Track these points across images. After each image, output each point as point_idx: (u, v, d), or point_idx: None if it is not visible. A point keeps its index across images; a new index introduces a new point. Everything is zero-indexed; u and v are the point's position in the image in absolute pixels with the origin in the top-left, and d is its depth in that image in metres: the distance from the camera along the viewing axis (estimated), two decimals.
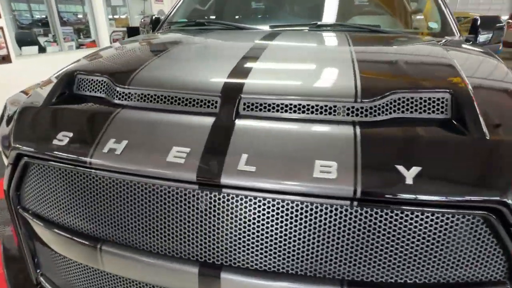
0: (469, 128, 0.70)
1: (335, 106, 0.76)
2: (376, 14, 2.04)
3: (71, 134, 0.82)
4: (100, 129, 0.81)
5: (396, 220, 0.62)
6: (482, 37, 1.98)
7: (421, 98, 0.76)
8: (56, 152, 0.80)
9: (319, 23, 1.63)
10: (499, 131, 0.70)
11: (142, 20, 2.56)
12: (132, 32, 5.94)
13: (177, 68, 1.02)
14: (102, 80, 0.98)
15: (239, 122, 0.76)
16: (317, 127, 0.74)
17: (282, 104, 0.79)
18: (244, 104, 0.80)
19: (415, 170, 0.62)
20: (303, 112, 0.77)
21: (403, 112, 0.76)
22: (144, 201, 0.73)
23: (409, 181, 0.60)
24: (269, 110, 0.79)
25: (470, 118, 0.71)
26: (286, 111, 0.78)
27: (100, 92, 0.98)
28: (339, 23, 1.68)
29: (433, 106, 0.76)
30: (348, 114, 0.76)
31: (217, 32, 1.63)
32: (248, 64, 0.97)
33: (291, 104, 0.78)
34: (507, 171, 0.62)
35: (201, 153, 0.70)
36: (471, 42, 1.73)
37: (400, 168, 0.62)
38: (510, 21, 11.00)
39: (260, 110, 0.79)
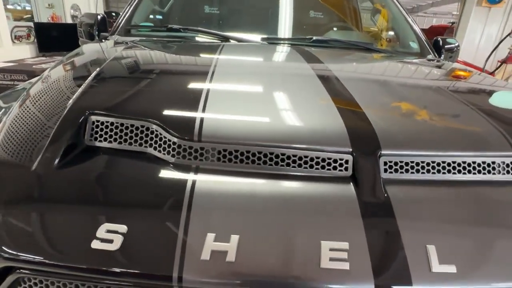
0: None
1: (493, 163, 0.63)
2: (354, 30, 2.04)
3: (124, 228, 0.49)
4: (178, 214, 0.50)
5: None
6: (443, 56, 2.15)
7: None
8: (101, 266, 0.45)
9: (315, 38, 1.51)
10: None
11: (79, 19, 2.07)
12: (42, 29, 5.03)
13: (256, 106, 0.72)
14: (143, 126, 0.64)
15: (393, 194, 0.56)
16: (489, 193, 0.59)
17: (431, 162, 0.61)
18: (386, 163, 0.60)
19: None
20: (460, 171, 0.62)
21: None
22: None
23: None
24: (418, 171, 0.61)
25: None
26: (439, 171, 0.61)
27: (141, 145, 0.63)
28: (335, 39, 1.59)
29: None
30: (508, 172, 0.63)
31: (231, 47, 1.35)
32: (349, 100, 0.74)
33: (444, 162, 0.61)
34: None
35: (367, 250, 0.48)
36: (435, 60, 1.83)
37: None
38: None
39: (407, 171, 0.60)
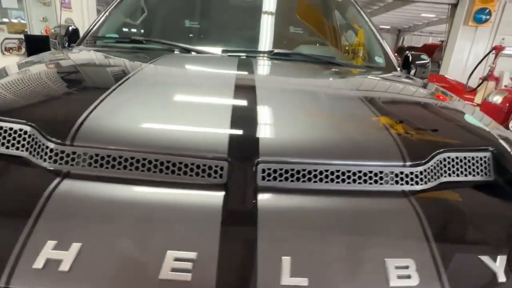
0: None
1: (381, 173, 0.61)
2: (323, 45, 2.06)
3: None
4: (24, 220, 0.47)
5: None
6: (412, 71, 2.18)
7: (465, 158, 0.68)
8: None
9: (275, 51, 1.53)
10: None
11: (54, 30, 2.11)
12: (32, 41, 5.11)
13: (148, 112, 0.71)
14: (21, 130, 0.62)
15: (263, 202, 0.54)
16: (370, 204, 0.57)
17: (313, 170, 0.59)
18: (264, 171, 0.58)
19: (502, 260, 0.50)
20: (344, 180, 0.59)
21: (449, 175, 0.66)
22: None
23: (501, 278, 0.48)
24: (298, 180, 0.59)
25: None
26: (321, 179, 0.59)
27: (17, 149, 0.61)
28: (297, 52, 1.60)
29: (477, 167, 0.69)
30: (397, 182, 0.61)
31: (171, 57, 1.36)
32: (248, 109, 0.74)
33: (327, 171, 0.59)
34: None
35: (216, 260, 0.45)
36: (406, 76, 1.84)
37: (486, 259, 0.50)
38: (395, 54, 13.26)
39: (287, 179, 0.58)
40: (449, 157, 0.68)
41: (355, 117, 0.80)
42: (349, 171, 0.60)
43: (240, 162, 0.58)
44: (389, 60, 1.86)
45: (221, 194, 0.54)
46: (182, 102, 0.81)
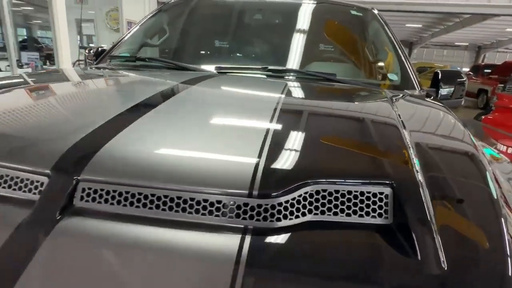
0: (418, 247, 0.46)
1: (219, 203, 0.49)
2: (336, 61, 1.94)
3: None
4: None
5: None
6: (444, 91, 1.92)
7: (350, 193, 0.52)
8: None
9: (269, 67, 1.48)
10: (460, 256, 0.47)
11: (90, 52, 2.36)
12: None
13: (18, 123, 0.70)
14: None
15: (65, 223, 0.48)
16: (185, 239, 0.47)
17: (138, 194, 0.51)
18: (84, 190, 0.52)
19: None
20: (171, 208, 0.50)
21: (322, 213, 0.51)
22: None
23: None
24: (119, 203, 0.51)
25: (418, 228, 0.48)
26: (145, 205, 0.50)
27: None
28: (293, 69, 1.53)
29: (367, 206, 0.52)
30: (238, 216, 0.49)
31: (141, 72, 1.41)
32: (124, 121, 0.68)
33: (153, 196, 0.50)
34: None
35: None
36: (432, 97, 1.62)
37: None
38: (470, 73, 11.82)
39: (107, 202, 0.51)
40: (324, 190, 0.51)
41: (235, 136, 0.69)
42: (179, 198, 0.50)
43: (58, 179, 0.53)
44: (406, 78, 1.67)
45: (28, 211, 0.50)
46: (63, 114, 0.79)
